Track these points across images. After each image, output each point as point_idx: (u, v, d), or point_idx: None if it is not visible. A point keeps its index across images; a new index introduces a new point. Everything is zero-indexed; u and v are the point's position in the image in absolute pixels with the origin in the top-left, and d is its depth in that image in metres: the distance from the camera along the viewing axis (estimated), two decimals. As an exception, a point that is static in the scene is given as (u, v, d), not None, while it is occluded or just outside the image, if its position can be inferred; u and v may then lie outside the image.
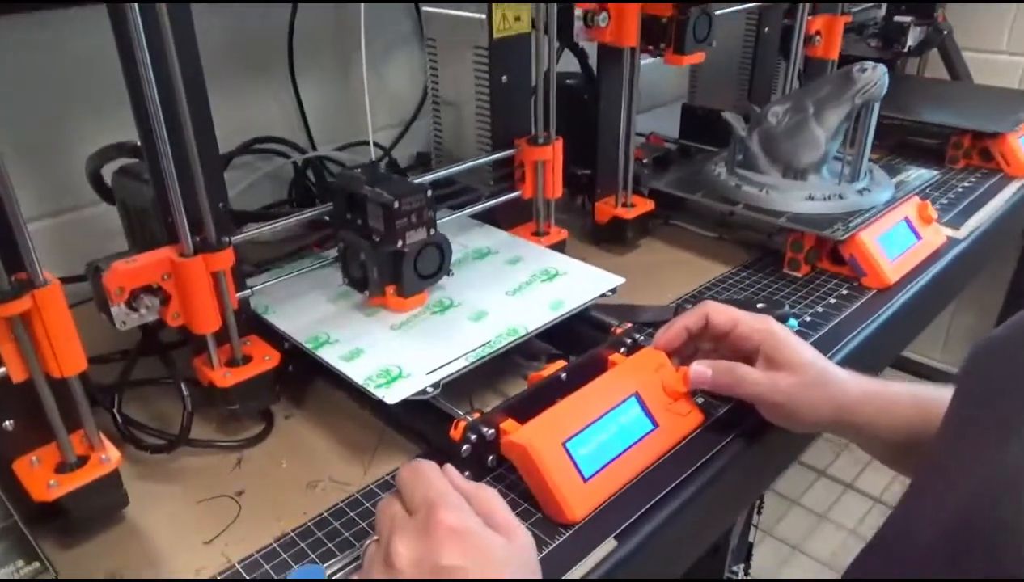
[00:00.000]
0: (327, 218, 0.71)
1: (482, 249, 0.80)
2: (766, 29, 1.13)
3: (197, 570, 0.52)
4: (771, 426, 0.62)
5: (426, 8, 0.87)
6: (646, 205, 0.95)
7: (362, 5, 0.76)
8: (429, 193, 0.65)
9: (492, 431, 0.57)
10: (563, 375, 0.62)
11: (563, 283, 0.73)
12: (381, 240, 0.65)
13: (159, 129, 0.52)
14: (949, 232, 0.96)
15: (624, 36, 0.84)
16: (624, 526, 0.54)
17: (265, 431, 0.65)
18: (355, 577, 0.49)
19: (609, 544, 0.53)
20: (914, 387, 0.61)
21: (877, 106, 0.88)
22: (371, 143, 0.83)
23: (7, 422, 0.51)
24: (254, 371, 0.63)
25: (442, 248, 0.68)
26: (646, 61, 0.90)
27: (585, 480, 0.55)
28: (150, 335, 0.68)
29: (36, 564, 0.47)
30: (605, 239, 0.96)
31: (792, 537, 1.67)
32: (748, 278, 0.89)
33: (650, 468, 0.59)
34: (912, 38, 1.28)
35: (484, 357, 0.62)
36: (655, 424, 0.60)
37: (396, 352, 0.63)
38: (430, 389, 0.58)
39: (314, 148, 1.02)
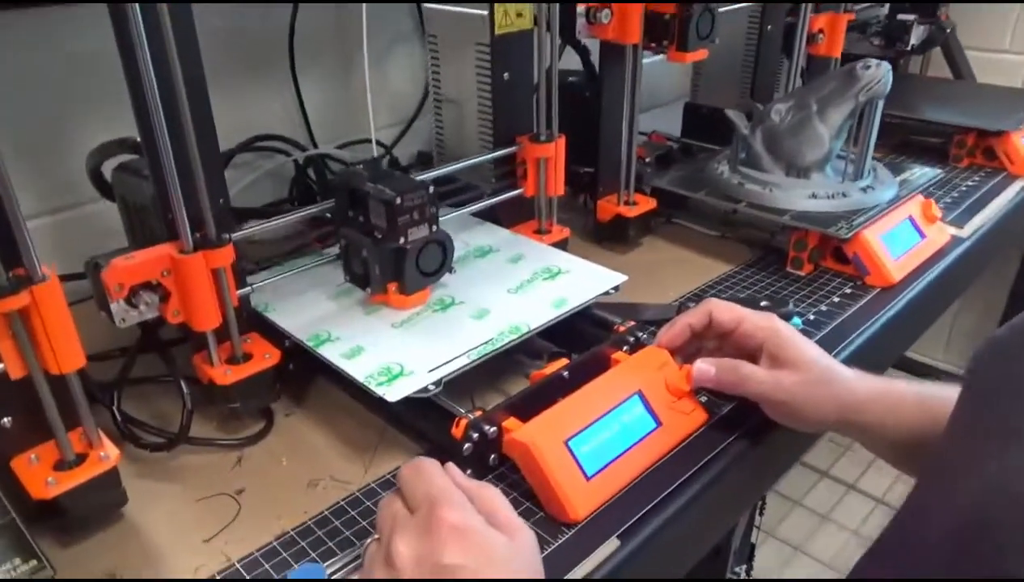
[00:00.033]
0: (328, 215, 0.71)
1: (484, 247, 0.80)
2: (769, 27, 1.13)
3: (196, 569, 0.52)
4: (775, 425, 0.62)
5: (428, 5, 0.87)
6: (648, 203, 0.94)
7: (364, 4, 0.76)
8: (431, 190, 0.65)
9: (494, 429, 0.57)
10: (565, 373, 0.62)
11: (565, 281, 0.73)
12: (383, 237, 0.65)
13: (159, 125, 0.52)
14: (953, 231, 0.95)
15: (627, 33, 0.83)
16: (627, 525, 0.54)
17: (265, 429, 0.65)
18: (356, 577, 0.49)
19: (612, 544, 0.53)
20: (920, 386, 0.60)
21: (881, 104, 0.87)
22: (373, 141, 0.83)
23: (5, 419, 0.51)
24: (254, 369, 0.62)
25: (444, 245, 0.68)
26: (648, 60, 0.90)
27: (588, 479, 0.55)
28: (150, 332, 0.68)
29: (34, 562, 0.47)
30: (607, 237, 0.96)
31: (794, 538, 1.66)
32: (751, 277, 0.88)
33: (653, 467, 0.58)
34: (915, 36, 1.27)
35: (486, 355, 0.62)
36: (658, 422, 0.60)
37: (397, 350, 0.62)
38: (432, 387, 0.58)
39: (315, 146, 1.02)
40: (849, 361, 0.61)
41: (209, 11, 0.62)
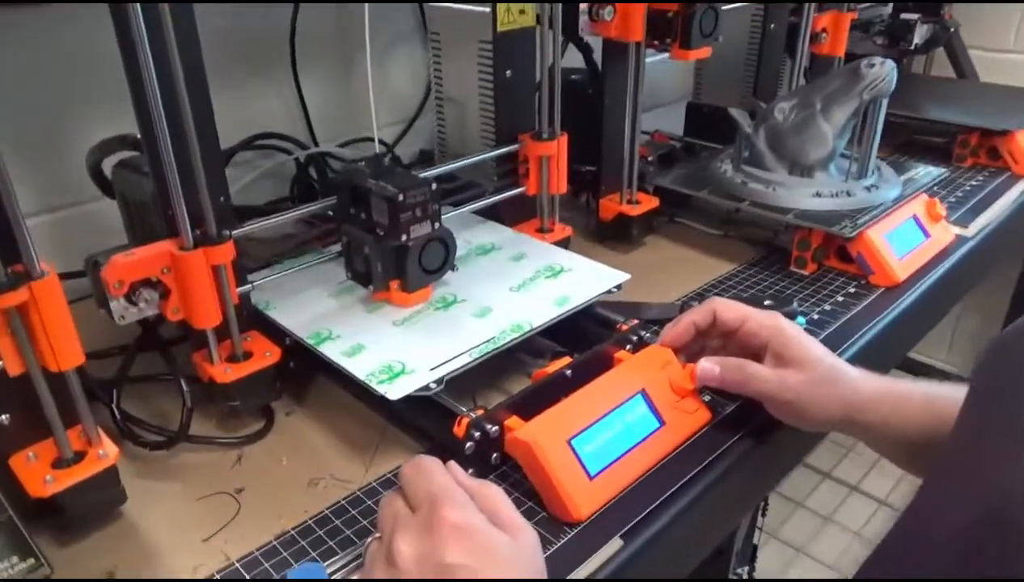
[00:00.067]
0: (330, 213, 0.70)
1: (486, 245, 0.79)
2: (772, 26, 1.12)
3: (195, 568, 0.51)
4: (779, 424, 0.62)
5: (430, 4, 0.86)
6: (651, 202, 0.94)
7: (366, 4, 0.76)
8: (434, 186, 0.65)
9: (496, 428, 0.56)
10: (568, 372, 0.61)
11: (568, 279, 0.72)
12: (385, 234, 0.64)
13: (159, 121, 0.52)
14: (958, 230, 0.95)
15: (630, 30, 0.83)
16: (630, 525, 0.53)
17: (266, 428, 0.65)
18: (356, 576, 0.49)
19: (615, 543, 0.52)
20: (926, 386, 0.60)
21: (885, 102, 0.87)
22: (376, 140, 0.82)
23: (3, 416, 0.51)
24: (255, 367, 0.62)
25: (447, 243, 0.68)
26: (650, 59, 0.90)
27: (591, 478, 0.54)
28: (149, 330, 0.67)
29: (31, 560, 0.46)
30: (609, 236, 0.95)
31: (797, 539, 1.66)
32: (754, 276, 0.88)
33: (657, 466, 0.58)
34: (919, 36, 1.27)
35: (488, 353, 0.61)
36: (662, 422, 0.60)
37: (399, 348, 0.62)
38: (433, 385, 0.57)
39: (316, 145, 1.02)
40: (853, 361, 0.61)
41: (211, 10, 0.62)
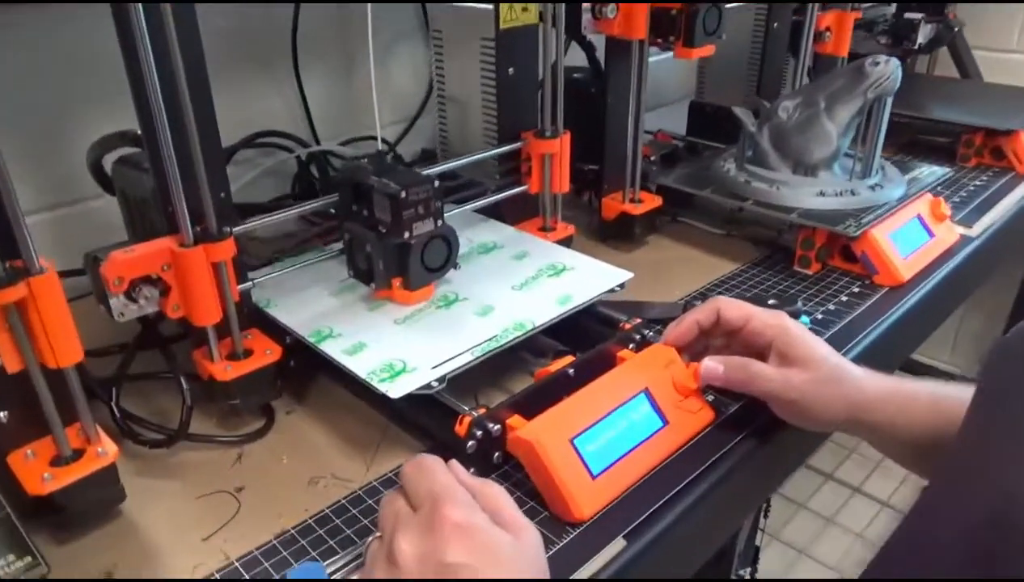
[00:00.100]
0: (332, 210, 0.70)
1: (488, 244, 0.79)
2: (775, 25, 1.12)
3: (195, 567, 0.51)
4: (784, 424, 0.61)
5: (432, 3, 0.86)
6: (654, 201, 0.94)
7: (368, 4, 0.75)
8: (436, 184, 0.64)
9: (498, 427, 0.56)
10: (571, 371, 0.61)
11: (571, 278, 0.72)
12: (387, 231, 0.64)
13: (160, 116, 0.51)
14: (962, 230, 0.94)
15: (633, 28, 0.82)
16: (633, 525, 0.53)
17: (266, 427, 0.64)
18: (357, 576, 0.48)
19: (618, 544, 0.52)
20: (932, 386, 0.59)
21: (890, 101, 0.86)
22: (379, 138, 0.82)
23: (1, 414, 0.50)
24: (255, 365, 0.61)
25: (449, 240, 0.67)
26: (653, 59, 0.89)
27: (593, 478, 0.54)
28: (149, 328, 0.67)
29: (28, 559, 0.46)
30: (612, 236, 0.95)
31: (799, 541, 1.65)
32: (757, 275, 0.87)
33: (660, 466, 0.57)
34: (923, 35, 1.26)
35: (490, 351, 0.61)
36: (665, 421, 0.59)
37: (400, 346, 0.61)
38: (435, 383, 0.57)
39: (318, 143, 1.01)
40: (857, 361, 0.60)
41: (212, 10, 0.62)
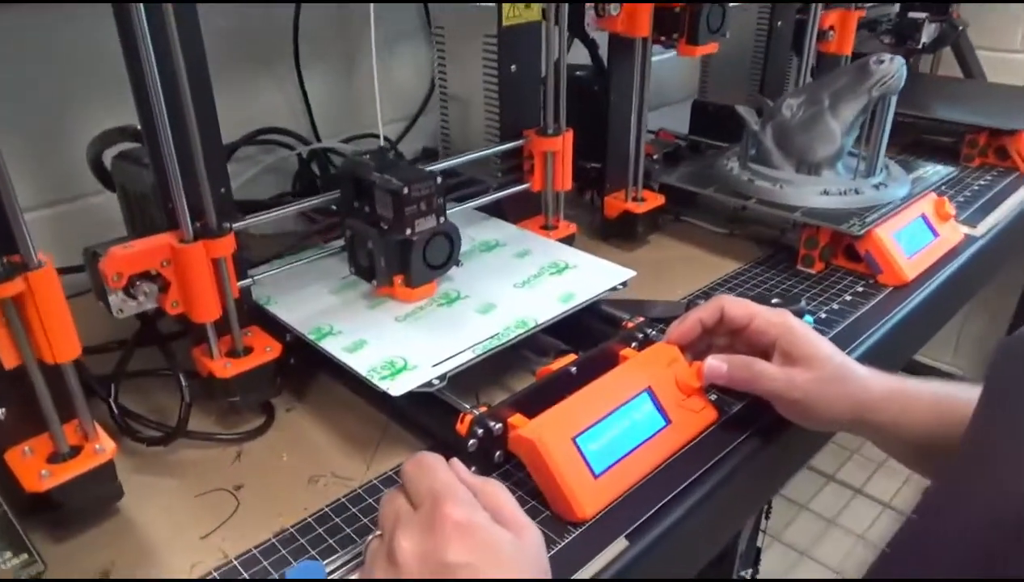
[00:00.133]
0: (334, 207, 0.70)
1: (490, 242, 0.79)
2: (779, 23, 1.11)
3: (192, 566, 0.50)
4: (787, 424, 0.61)
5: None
6: (657, 200, 0.93)
7: (371, 4, 0.75)
8: (439, 180, 0.64)
9: (499, 425, 0.55)
10: (573, 369, 0.60)
11: (573, 276, 0.71)
12: (389, 228, 0.64)
13: (159, 111, 0.51)
14: (966, 230, 0.94)
15: (636, 26, 0.82)
16: (636, 525, 0.52)
17: (266, 424, 0.64)
18: (356, 575, 0.48)
19: (620, 543, 0.51)
20: (937, 386, 0.59)
21: (894, 99, 0.86)
22: (381, 136, 0.81)
23: (-1, 410, 0.50)
24: (255, 362, 0.61)
25: (451, 237, 0.67)
26: (656, 58, 0.89)
27: (595, 477, 0.53)
28: (148, 324, 0.66)
29: (25, 556, 0.45)
30: (614, 234, 0.94)
31: (800, 543, 1.65)
32: (760, 275, 0.87)
33: (662, 465, 0.57)
34: (926, 35, 1.26)
35: (492, 349, 0.60)
36: (668, 420, 0.59)
37: (401, 344, 0.61)
38: (436, 381, 0.57)
39: (319, 141, 1.01)
40: (861, 361, 0.60)
41: (214, 9, 0.61)
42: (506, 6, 0.76)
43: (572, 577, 0.49)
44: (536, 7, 0.79)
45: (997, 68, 1.52)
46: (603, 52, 0.93)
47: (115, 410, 0.60)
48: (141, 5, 0.48)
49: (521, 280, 0.70)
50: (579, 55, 0.97)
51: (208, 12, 0.54)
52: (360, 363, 0.59)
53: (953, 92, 1.37)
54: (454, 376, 0.58)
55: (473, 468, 0.52)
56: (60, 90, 0.80)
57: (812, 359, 0.58)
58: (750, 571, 1.14)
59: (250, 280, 0.63)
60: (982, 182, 1.08)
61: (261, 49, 0.95)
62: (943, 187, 1.03)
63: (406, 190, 0.61)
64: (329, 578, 0.48)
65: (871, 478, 1.79)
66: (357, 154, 0.68)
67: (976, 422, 0.45)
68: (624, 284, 0.70)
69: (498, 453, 0.56)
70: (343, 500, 0.55)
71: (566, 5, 0.76)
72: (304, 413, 0.66)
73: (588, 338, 0.66)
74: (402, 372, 0.57)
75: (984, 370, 0.47)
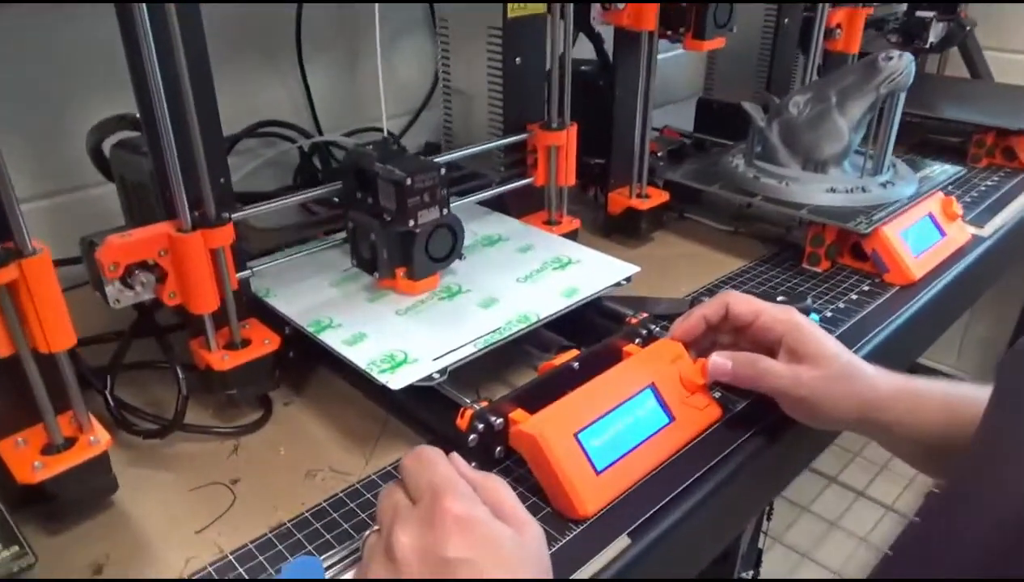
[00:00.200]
0: (336, 199, 0.69)
1: (492, 236, 0.78)
2: (786, 21, 1.10)
3: (188, 560, 0.50)
4: (792, 422, 0.60)
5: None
6: (661, 196, 0.92)
7: (376, 5, 0.74)
8: (442, 171, 0.63)
9: (500, 420, 0.54)
10: (575, 364, 0.59)
11: (576, 271, 0.70)
12: (392, 219, 0.63)
13: (158, 97, 0.50)
14: (973, 230, 0.93)
15: (642, 19, 0.81)
16: (638, 523, 0.51)
17: (263, 418, 0.63)
18: (353, 572, 0.47)
19: (622, 541, 0.50)
20: (946, 385, 0.58)
21: (903, 96, 0.85)
22: (384, 130, 0.81)
23: (-8, 400, 0.49)
24: (253, 355, 0.60)
25: (455, 230, 0.66)
26: (661, 56, 0.88)
27: (598, 473, 0.52)
28: (145, 315, 0.66)
29: (15, 548, 0.45)
30: (618, 231, 0.93)
31: (802, 545, 1.63)
32: (765, 273, 0.86)
33: (666, 463, 0.56)
34: (934, 34, 1.24)
35: (493, 344, 0.59)
36: (671, 417, 0.58)
37: (401, 337, 0.60)
38: (436, 375, 0.56)
39: (320, 134, 1.00)
40: (867, 360, 0.59)
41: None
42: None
43: (572, 576, 0.48)
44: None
45: (1004, 68, 1.51)
46: (608, 47, 0.92)
47: (111, 402, 0.59)
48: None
49: (524, 275, 0.70)
50: (584, 50, 0.96)
51: (211, 6, 0.53)
52: (360, 356, 0.58)
53: (960, 92, 1.36)
54: (455, 370, 0.57)
55: (473, 464, 0.51)
56: (60, 79, 0.79)
57: (818, 357, 0.57)
58: (751, 572, 1.13)
59: (249, 272, 0.63)
60: (989, 182, 1.07)
61: (264, 41, 0.94)
62: (950, 187, 1.02)
63: (409, 181, 0.60)
64: (325, 579, 0.47)
65: (873, 481, 1.78)
66: (360, 146, 0.67)
67: (988, 422, 0.45)
68: (628, 280, 0.69)
69: (499, 449, 0.55)
70: (341, 495, 0.55)
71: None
72: (302, 407, 0.65)
73: (591, 334, 0.65)
74: (402, 366, 0.57)
75: (994, 371, 0.46)
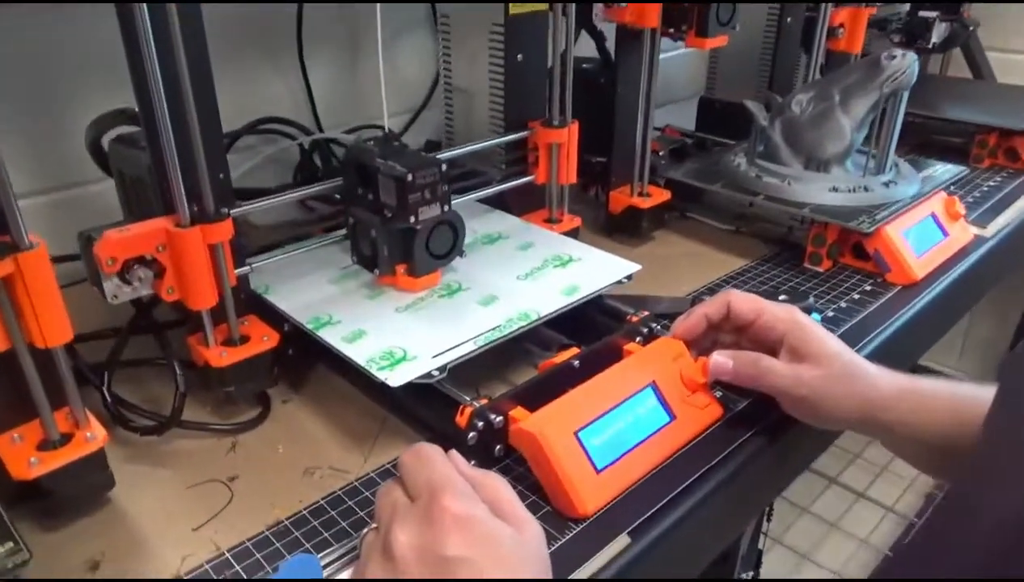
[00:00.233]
0: (337, 196, 0.68)
1: (492, 234, 0.77)
2: (788, 20, 1.10)
3: (184, 557, 0.49)
4: (794, 422, 0.59)
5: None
6: (663, 195, 0.92)
7: (378, 5, 0.74)
8: (444, 167, 0.62)
9: (500, 418, 0.54)
10: (576, 363, 0.59)
11: (577, 269, 0.70)
12: (393, 216, 0.62)
13: (157, 90, 0.50)
14: (976, 230, 0.92)
15: (645, 17, 0.80)
16: (638, 522, 0.51)
17: (261, 415, 0.62)
18: (348, 575, 0.46)
19: (622, 541, 0.50)
20: (949, 385, 0.57)
21: (906, 95, 0.84)
22: (386, 128, 0.80)
23: (-13, 396, 0.49)
24: (252, 351, 0.60)
25: (456, 226, 0.65)
26: (664, 55, 0.87)
27: (598, 472, 0.52)
28: (143, 312, 0.65)
29: (9, 544, 0.44)
30: (619, 230, 0.93)
31: (802, 546, 1.63)
32: (767, 272, 0.86)
33: (666, 462, 0.56)
34: (937, 34, 1.24)
35: (493, 341, 0.59)
36: (672, 416, 0.57)
37: (401, 334, 0.60)
38: (436, 372, 0.55)
39: (321, 131, 1.00)
40: (869, 360, 0.59)
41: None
42: (513, -6, 0.75)
43: (572, 575, 0.47)
44: (544, -3, 0.77)
45: (1007, 69, 1.50)
46: (610, 45, 0.92)
47: (108, 398, 0.59)
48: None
49: (524, 272, 0.69)
50: (586, 48, 0.96)
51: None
52: (359, 353, 0.57)
53: (963, 92, 1.36)
54: (454, 368, 0.57)
55: (473, 462, 0.50)
56: (59, 75, 0.79)
57: (820, 356, 0.57)
58: (751, 573, 1.13)
59: (248, 268, 0.62)
60: (992, 183, 1.07)
61: (264, 38, 0.93)
62: (952, 187, 1.02)
63: (410, 177, 0.60)
64: (323, 579, 0.46)
65: (874, 482, 1.78)
66: (361, 141, 0.67)
67: (989, 424, 0.44)
68: (629, 278, 0.69)
69: (498, 447, 0.55)
70: (339, 493, 0.54)
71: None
72: (301, 405, 0.64)
73: (591, 332, 0.65)
74: (401, 363, 0.56)
75: (995, 372, 0.46)
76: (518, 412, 0.54)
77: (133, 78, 0.52)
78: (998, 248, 0.92)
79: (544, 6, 0.78)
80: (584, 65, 0.93)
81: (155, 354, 0.66)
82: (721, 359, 0.59)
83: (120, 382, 0.62)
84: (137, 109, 0.54)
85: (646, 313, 0.66)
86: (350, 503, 0.53)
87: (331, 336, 0.60)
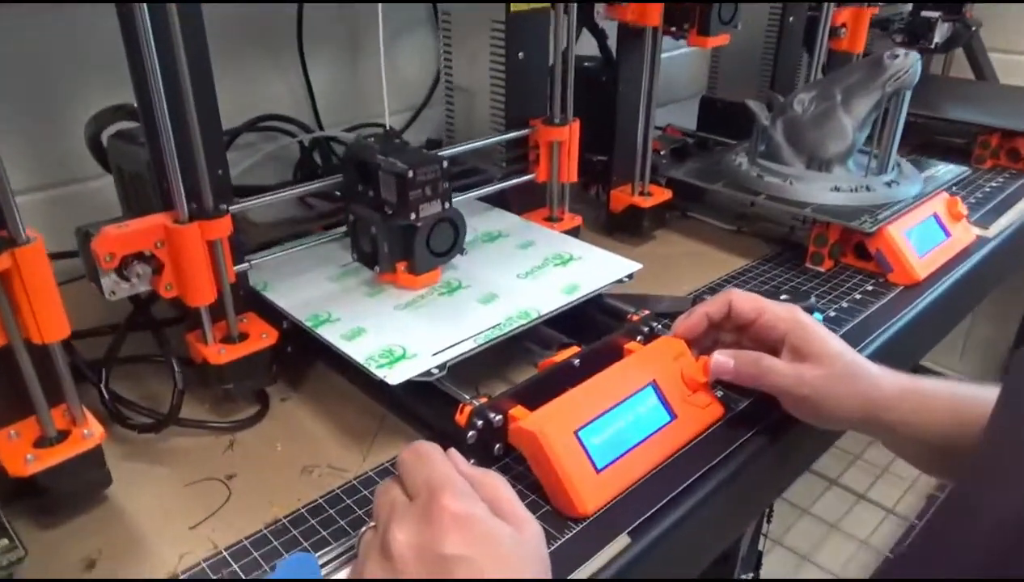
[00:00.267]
0: (337, 193, 0.68)
1: (493, 232, 0.77)
2: (790, 19, 1.09)
3: (181, 555, 0.49)
4: (795, 422, 0.59)
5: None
6: (664, 194, 0.91)
7: (379, 5, 0.73)
8: (445, 164, 0.62)
9: (500, 417, 0.54)
10: (576, 361, 0.59)
11: (578, 268, 0.70)
12: (394, 213, 0.62)
13: (155, 85, 0.49)
14: (978, 231, 0.92)
15: (647, 15, 0.80)
16: (639, 522, 0.50)
17: (260, 413, 0.62)
18: (346, 574, 0.46)
19: (622, 541, 0.50)
20: (952, 385, 0.57)
21: (908, 95, 0.84)
22: (387, 126, 0.80)
23: (-17, 392, 0.48)
24: (250, 349, 0.59)
25: (456, 224, 0.65)
26: (665, 54, 0.87)
27: (598, 471, 0.52)
28: (141, 308, 0.65)
29: (5, 541, 0.44)
30: (619, 229, 0.93)
31: (802, 547, 1.63)
32: (768, 272, 0.85)
33: (667, 461, 0.55)
34: (939, 34, 1.24)
35: (493, 339, 0.59)
36: (673, 415, 0.57)
37: (400, 332, 0.60)
38: (435, 371, 0.55)
39: (321, 129, 0.99)
40: (871, 360, 0.58)
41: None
42: (514, -7, 0.75)
43: (572, 574, 0.47)
44: (545, -5, 0.77)
45: (1009, 70, 1.50)
46: (612, 43, 0.92)
47: (105, 395, 0.59)
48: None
49: (524, 271, 0.69)
50: (587, 46, 0.96)
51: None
52: (358, 351, 0.57)
53: (965, 93, 1.36)
54: (454, 367, 0.57)
55: (472, 460, 0.50)
56: (59, 72, 0.79)
57: (822, 355, 0.56)
58: (751, 574, 1.12)
59: (247, 265, 0.62)
60: (994, 184, 1.07)
61: (265, 35, 0.93)
62: (955, 187, 1.01)
63: (411, 173, 0.60)
64: (321, 578, 0.46)
65: (875, 484, 1.77)
66: (362, 138, 0.66)
67: (992, 424, 0.44)
68: (630, 277, 0.69)
69: (498, 446, 0.55)
70: (338, 491, 0.54)
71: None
72: (300, 403, 0.64)
73: (592, 331, 0.64)
74: (401, 361, 0.56)
75: (996, 373, 0.45)
76: (518, 411, 0.54)
77: (133, 76, 0.52)
78: (1000, 249, 0.91)
79: (546, 4, 0.77)
80: (585, 63, 0.93)
81: (153, 351, 0.65)
82: (722, 358, 0.59)
83: (118, 379, 0.62)
84: (136, 105, 0.53)
85: (647, 312, 0.66)
86: (348, 502, 0.53)
87: (330, 334, 0.60)
